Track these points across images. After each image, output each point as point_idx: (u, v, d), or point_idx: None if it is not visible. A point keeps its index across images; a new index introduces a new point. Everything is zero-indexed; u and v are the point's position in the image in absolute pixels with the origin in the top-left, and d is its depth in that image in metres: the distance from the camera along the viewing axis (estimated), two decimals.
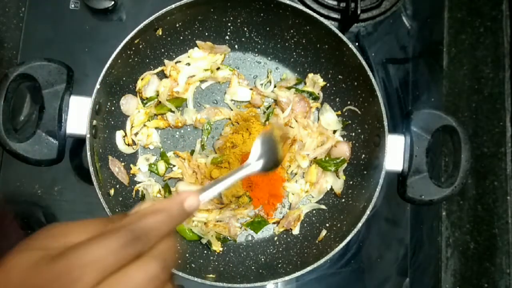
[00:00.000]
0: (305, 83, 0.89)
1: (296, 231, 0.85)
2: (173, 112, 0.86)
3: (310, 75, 0.87)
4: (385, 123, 0.74)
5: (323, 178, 0.86)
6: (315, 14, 0.76)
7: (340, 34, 0.76)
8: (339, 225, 0.81)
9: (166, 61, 0.86)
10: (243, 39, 0.88)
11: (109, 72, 0.73)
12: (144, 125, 0.86)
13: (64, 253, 0.34)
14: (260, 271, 0.79)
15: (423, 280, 0.91)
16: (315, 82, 0.87)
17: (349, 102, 0.85)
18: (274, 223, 0.86)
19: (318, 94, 0.88)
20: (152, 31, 0.78)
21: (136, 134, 0.86)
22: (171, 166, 0.87)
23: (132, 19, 0.93)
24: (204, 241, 0.83)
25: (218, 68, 0.88)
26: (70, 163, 0.89)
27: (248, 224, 0.85)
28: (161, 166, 0.86)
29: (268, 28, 0.85)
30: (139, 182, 0.84)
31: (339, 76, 0.84)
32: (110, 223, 0.39)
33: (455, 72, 0.96)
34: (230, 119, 0.88)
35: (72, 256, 0.34)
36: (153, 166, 0.86)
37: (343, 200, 0.84)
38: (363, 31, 0.96)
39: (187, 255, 0.81)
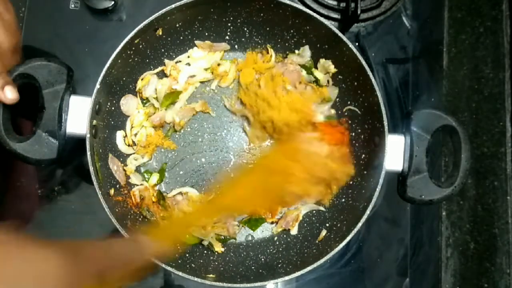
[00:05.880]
0: (316, 68, 0.87)
1: (294, 231, 0.85)
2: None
3: (322, 61, 0.84)
4: (385, 123, 0.74)
5: None
6: (315, 14, 0.76)
7: (340, 34, 0.76)
8: (339, 225, 0.81)
9: (166, 61, 0.86)
10: (243, 39, 0.88)
11: (109, 72, 0.73)
12: (143, 126, 0.86)
13: None
14: (260, 271, 0.79)
15: (423, 280, 0.91)
16: (326, 68, 0.84)
17: (349, 102, 0.84)
18: (272, 222, 0.86)
19: (327, 83, 0.85)
20: (152, 31, 0.78)
21: (135, 134, 0.85)
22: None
23: (132, 19, 0.93)
24: (205, 243, 0.83)
25: (218, 65, 0.87)
26: (70, 163, 0.89)
27: (246, 222, 0.85)
28: (154, 179, 0.85)
29: (268, 28, 0.85)
30: (134, 185, 0.84)
31: (339, 76, 0.84)
32: None
33: (455, 72, 0.96)
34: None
35: None
36: (146, 175, 0.85)
37: (343, 200, 0.84)
38: (363, 31, 0.96)
39: (187, 255, 0.81)
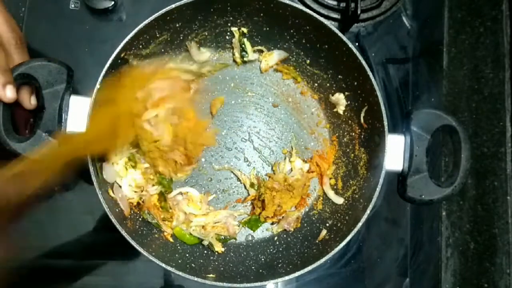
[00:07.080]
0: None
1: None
2: None
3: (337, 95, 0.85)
4: (385, 123, 0.74)
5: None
6: (315, 14, 0.76)
7: (340, 34, 0.76)
8: (339, 225, 0.81)
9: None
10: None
11: (109, 72, 0.73)
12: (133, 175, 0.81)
13: None
14: (260, 271, 0.79)
15: (423, 280, 0.91)
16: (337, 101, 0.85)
17: (349, 102, 0.85)
18: (272, 223, 0.86)
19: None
20: (152, 32, 0.78)
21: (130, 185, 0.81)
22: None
23: (132, 19, 0.93)
24: (205, 243, 0.83)
25: None
26: (70, 163, 0.89)
27: (246, 223, 0.85)
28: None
29: (268, 28, 0.85)
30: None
31: (339, 76, 0.84)
32: None
33: (455, 72, 0.96)
34: None
35: None
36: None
37: (343, 200, 0.84)
38: (363, 31, 0.96)
39: (187, 255, 0.81)
